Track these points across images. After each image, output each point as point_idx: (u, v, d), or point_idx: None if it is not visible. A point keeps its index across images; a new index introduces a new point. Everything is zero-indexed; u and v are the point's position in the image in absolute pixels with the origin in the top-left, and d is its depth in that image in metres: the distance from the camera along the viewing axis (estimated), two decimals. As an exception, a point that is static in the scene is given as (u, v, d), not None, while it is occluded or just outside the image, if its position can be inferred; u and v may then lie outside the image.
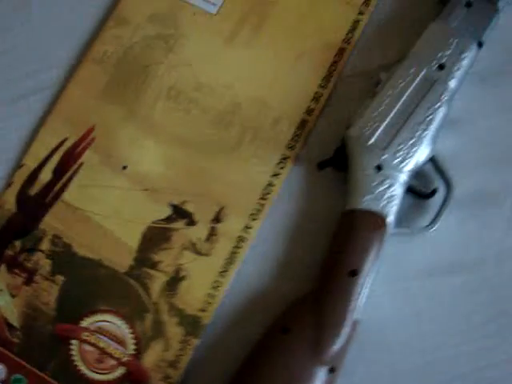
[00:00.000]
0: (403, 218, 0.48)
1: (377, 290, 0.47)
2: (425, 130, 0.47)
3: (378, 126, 0.47)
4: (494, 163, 0.50)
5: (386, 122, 0.47)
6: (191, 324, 0.47)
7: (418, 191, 0.48)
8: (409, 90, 0.48)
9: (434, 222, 0.48)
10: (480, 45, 0.49)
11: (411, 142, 0.47)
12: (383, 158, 0.47)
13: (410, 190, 0.48)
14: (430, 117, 0.47)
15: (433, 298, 0.48)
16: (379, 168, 0.46)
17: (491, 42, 0.51)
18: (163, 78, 0.52)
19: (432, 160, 0.48)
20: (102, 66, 0.52)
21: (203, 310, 0.48)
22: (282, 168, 0.50)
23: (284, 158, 0.50)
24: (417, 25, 0.50)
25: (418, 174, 0.49)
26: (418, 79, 0.48)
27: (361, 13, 0.53)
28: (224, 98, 0.51)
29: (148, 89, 0.52)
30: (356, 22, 0.52)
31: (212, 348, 0.47)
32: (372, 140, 0.47)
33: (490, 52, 0.51)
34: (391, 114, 0.47)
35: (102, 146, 0.51)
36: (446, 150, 0.49)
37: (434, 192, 0.48)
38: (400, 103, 0.47)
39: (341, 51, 0.52)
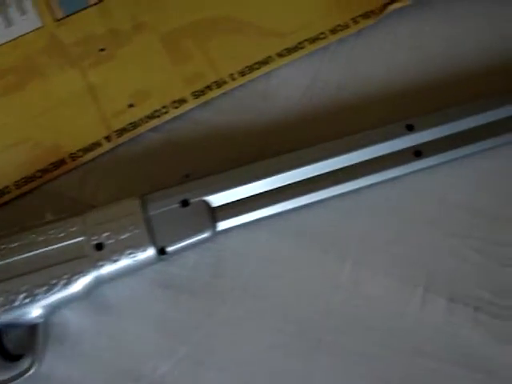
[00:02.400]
0: None
1: None
2: (31, 296, 0.40)
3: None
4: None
5: (11, 260, 0.41)
6: None
7: (1, 344, 0.43)
8: (53, 246, 0.41)
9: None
10: (162, 252, 0.41)
11: (11, 297, 0.41)
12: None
13: (-4, 337, 0.43)
14: (48, 287, 0.41)
15: None
16: None
17: (206, 254, 0.44)
18: None
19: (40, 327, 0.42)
20: None
21: None
22: None
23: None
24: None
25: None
26: (70, 242, 0.41)
27: (108, 139, 0.46)
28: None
29: None
30: (97, 145, 0.46)
31: None
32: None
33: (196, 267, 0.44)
34: (20, 256, 0.41)
35: None
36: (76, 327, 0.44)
37: (17, 357, 0.42)
38: (33, 252, 0.41)
39: (61, 163, 0.45)
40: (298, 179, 0.43)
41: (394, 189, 0.45)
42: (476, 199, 0.46)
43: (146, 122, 0.46)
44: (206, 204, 0.42)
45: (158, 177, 0.45)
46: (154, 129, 0.46)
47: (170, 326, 0.43)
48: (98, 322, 0.44)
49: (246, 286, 0.44)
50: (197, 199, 0.42)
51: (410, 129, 0.44)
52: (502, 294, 0.44)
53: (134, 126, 0.46)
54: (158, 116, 0.46)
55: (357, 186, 0.44)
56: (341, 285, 0.43)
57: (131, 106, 0.46)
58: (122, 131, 0.46)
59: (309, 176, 0.44)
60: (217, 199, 0.42)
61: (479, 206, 0.46)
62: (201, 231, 0.42)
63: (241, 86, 0.46)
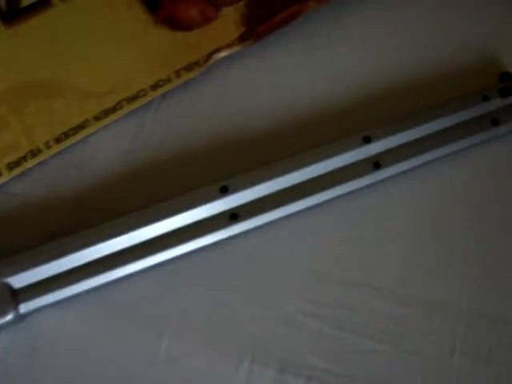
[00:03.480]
0: None
1: None
2: None
3: None
4: None
5: None
6: None
7: None
8: None
9: None
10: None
11: None
12: None
13: None
14: None
15: None
16: None
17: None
18: None
19: None
20: None
21: None
22: None
23: None
24: None
25: None
26: None
27: None
28: None
29: None
30: None
31: None
32: None
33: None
34: None
35: None
36: None
37: None
38: None
39: None
40: (111, 251, 0.42)
41: (213, 256, 0.43)
42: (305, 258, 0.43)
43: (-40, 199, 0.45)
44: (7, 286, 0.40)
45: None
46: (-30, 206, 0.45)
47: (-16, 414, 0.42)
48: None
49: (60, 367, 0.41)
50: (-3, 282, 0.41)
51: (224, 191, 0.42)
52: (337, 360, 0.42)
53: (-51, 204, 0.45)
54: (-29, 193, 0.45)
55: (174, 255, 0.42)
56: (158, 361, 0.41)
57: None
58: None
59: (122, 247, 0.42)
60: (20, 279, 0.40)
61: (309, 265, 0.43)
62: (1, 315, 0.40)
63: (58, 153, 0.45)
